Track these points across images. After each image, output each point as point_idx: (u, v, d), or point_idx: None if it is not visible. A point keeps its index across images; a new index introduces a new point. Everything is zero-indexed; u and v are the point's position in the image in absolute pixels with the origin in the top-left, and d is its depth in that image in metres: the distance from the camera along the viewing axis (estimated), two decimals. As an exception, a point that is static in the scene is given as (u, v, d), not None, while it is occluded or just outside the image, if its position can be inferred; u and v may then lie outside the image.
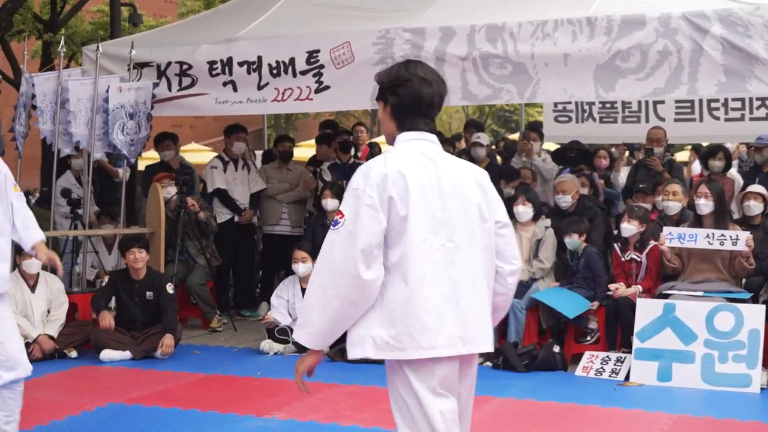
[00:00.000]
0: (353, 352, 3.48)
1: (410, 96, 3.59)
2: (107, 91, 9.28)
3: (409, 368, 3.43)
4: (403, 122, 3.63)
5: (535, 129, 12.21)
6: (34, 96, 9.34)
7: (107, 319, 8.23)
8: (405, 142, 3.61)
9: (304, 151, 13.68)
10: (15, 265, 8.40)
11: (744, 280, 7.62)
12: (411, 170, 3.48)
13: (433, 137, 3.65)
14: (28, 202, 6.19)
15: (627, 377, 7.38)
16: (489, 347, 3.60)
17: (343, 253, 3.40)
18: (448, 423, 3.45)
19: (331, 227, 3.48)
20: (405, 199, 3.42)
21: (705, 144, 12.13)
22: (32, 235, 5.53)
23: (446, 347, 3.43)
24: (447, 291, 3.47)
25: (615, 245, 8.22)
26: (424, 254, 3.45)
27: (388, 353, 3.43)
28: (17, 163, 10.06)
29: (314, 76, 9.07)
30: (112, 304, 8.56)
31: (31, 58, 15.13)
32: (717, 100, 12.21)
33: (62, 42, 11.21)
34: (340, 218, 3.45)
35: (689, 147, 16.55)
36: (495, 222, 3.65)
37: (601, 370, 7.56)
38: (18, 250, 8.41)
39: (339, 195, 9.19)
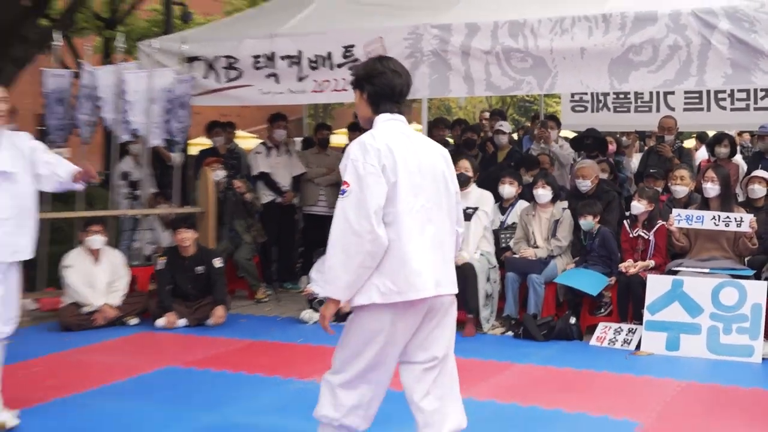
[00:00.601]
0: (360, 299, 3.77)
1: (384, 86, 3.95)
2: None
3: (396, 310, 3.78)
4: (378, 107, 3.97)
5: (553, 118, 12.19)
6: (95, 88, 9.41)
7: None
8: (384, 122, 3.95)
9: (340, 137, 13.66)
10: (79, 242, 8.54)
11: (747, 259, 7.58)
12: (396, 145, 3.82)
13: (403, 118, 4.01)
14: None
15: (638, 347, 7.37)
16: (455, 290, 4.05)
17: (357, 215, 3.68)
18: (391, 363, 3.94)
19: (340, 196, 3.78)
20: (394, 168, 3.75)
21: (711, 132, 12.04)
22: (67, 167, 5.67)
23: (430, 290, 3.81)
24: (427, 244, 3.83)
25: (624, 222, 8.19)
26: (409, 215, 3.78)
27: (390, 297, 3.74)
28: (81, 149, 10.17)
29: (350, 68, 9.07)
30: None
31: (92, 53, 15.23)
32: (723, 91, 12.10)
33: (121, 38, 11.29)
34: (347, 187, 3.75)
35: (695, 135, 16.44)
36: (455, 192, 4.06)
37: (614, 340, 7.55)
38: (85, 226, 8.53)
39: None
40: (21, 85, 12.17)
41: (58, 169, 5.60)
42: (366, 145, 3.78)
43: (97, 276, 8.47)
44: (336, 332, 3.91)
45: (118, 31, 17.44)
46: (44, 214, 9.09)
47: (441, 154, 4.05)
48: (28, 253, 5.50)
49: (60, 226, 10.09)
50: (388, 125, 3.93)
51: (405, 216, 3.77)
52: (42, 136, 9.35)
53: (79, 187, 5.91)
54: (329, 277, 3.84)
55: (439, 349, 3.99)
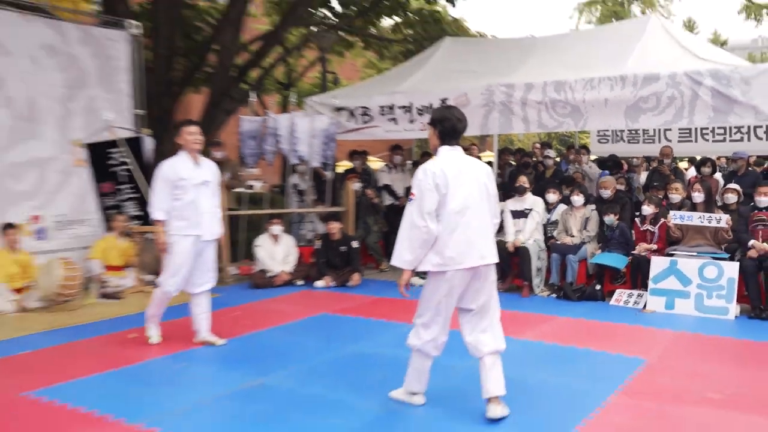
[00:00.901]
0: (423, 267, 3.99)
1: (450, 128, 4.06)
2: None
3: (448, 275, 3.95)
4: (443, 141, 4.08)
5: (584, 147, 11.93)
6: (276, 128, 9.60)
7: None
8: (445, 152, 4.05)
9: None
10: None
11: (724, 246, 7.25)
12: (449, 168, 3.95)
13: (459, 148, 4.08)
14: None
15: (644, 306, 7.14)
16: (495, 260, 4.07)
17: (419, 214, 3.90)
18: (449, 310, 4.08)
19: (409, 201, 3.99)
20: (445, 184, 3.90)
21: (698, 157, 11.69)
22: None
23: (469, 263, 3.94)
24: (473, 233, 3.95)
25: (636, 220, 7.95)
26: (455, 215, 3.91)
27: (439, 268, 3.94)
28: (267, 169, 10.39)
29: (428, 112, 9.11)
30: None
31: (275, 106, 15.57)
32: (707, 128, 11.76)
33: (293, 96, 11.49)
34: (413, 197, 3.94)
35: (687, 159, 15.89)
36: (494, 195, 4.14)
37: (627, 301, 7.32)
38: (269, 219, 8.72)
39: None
40: (229, 127, 12.52)
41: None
42: (426, 170, 3.94)
43: (277, 252, 8.63)
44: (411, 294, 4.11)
45: (291, 91, 17.82)
46: (243, 212, 9.37)
47: (484, 171, 4.12)
48: (218, 234, 5.73)
49: (252, 220, 10.35)
50: (448, 154, 4.04)
51: (452, 215, 3.90)
52: (241, 160, 9.62)
53: None
54: (396, 253, 4.01)
55: (481, 301, 4.07)
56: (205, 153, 9.37)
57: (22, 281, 7.26)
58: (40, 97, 8.15)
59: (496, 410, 3.98)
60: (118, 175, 8.75)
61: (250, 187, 10.29)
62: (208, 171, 5.70)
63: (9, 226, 7.30)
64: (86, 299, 7.50)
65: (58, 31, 8.38)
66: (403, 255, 3.97)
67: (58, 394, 4.48)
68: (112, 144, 8.68)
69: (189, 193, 5.50)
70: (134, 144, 8.82)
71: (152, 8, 12.21)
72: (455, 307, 4.08)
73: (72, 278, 6.99)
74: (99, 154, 8.65)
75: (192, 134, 5.56)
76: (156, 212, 5.50)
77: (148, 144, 8.98)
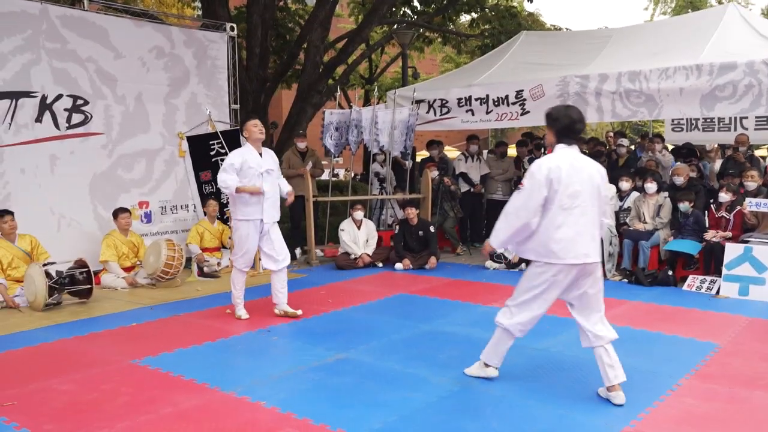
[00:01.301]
0: (527, 255, 3.98)
1: (567, 126, 3.92)
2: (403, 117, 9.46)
3: (551, 269, 3.87)
4: (560, 139, 3.94)
5: (658, 135, 11.40)
6: (360, 120, 9.63)
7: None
8: (560, 150, 3.92)
9: (512, 150, 13.31)
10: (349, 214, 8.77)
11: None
12: (564, 165, 3.81)
13: (576, 146, 3.94)
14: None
15: (717, 292, 6.78)
16: (598, 259, 3.92)
17: (523, 205, 3.83)
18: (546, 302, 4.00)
19: (517, 190, 3.92)
20: (559, 181, 3.77)
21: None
22: (285, 188, 6.03)
23: (573, 260, 3.82)
24: (580, 230, 3.81)
25: (711, 207, 7.55)
26: (562, 211, 3.79)
27: (541, 258, 3.88)
28: (351, 158, 10.43)
29: (520, 105, 8.89)
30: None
31: (358, 99, 15.65)
32: None
33: (375, 90, 11.50)
34: (522, 186, 3.87)
35: (765, 146, 14.98)
36: (605, 196, 4.01)
37: (700, 287, 6.97)
38: (352, 205, 8.78)
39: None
40: (316, 119, 12.68)
41: (283, 186, 6.02)
42: (542, 164, 3.83)
43: (359, 236, 8.66)
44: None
45: (374, 85, 17.86)
46: (326, 198, 9.46)
47: (597, 171, 3.94)
48: (279, 216, 5.93)
49: (336, 206, 10.46)
50: (563, 152, 3.89)
51: (560, 211, 3.78)
52: (326, 150, 9.70)
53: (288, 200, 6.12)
54: (494, 232, 3.97)
55: (589, 295, 3.96)
56: (290, 144, 9.47)
57: (131, 261, 7.59)
58: (148, 94, 8.47)
59: (619, 397, 3.86)
60: (218, 165, 9.01)
61: (336, 175, 10.39)
62: (271, 160, 5.88)
63: (122, 210, 7.64)
64: (187, 277, 7.77)
65: (166, 35, 8.67)
66: (498, 235, 3.95)
67: (162, 362, 4.66)
68: (213, 136, 8.94)
69: (254, 181, 5.68)
70: (231, 136, 9.05)
71: (248, 11, 12.47)
72: (558, 299, 3.97)
73: (174, 258, 7.24)
74: (200, 145, 8.93)
75: (256, 126, 5.76)
76: (232, 183, 5.61)
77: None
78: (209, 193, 8.90)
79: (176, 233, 8.64)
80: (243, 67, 12.22)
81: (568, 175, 3.78)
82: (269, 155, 5.91)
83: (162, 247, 7.21)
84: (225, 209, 8.91)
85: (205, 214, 8.55)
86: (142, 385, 4.22)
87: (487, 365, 4.24)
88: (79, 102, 7.83)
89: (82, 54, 7.81)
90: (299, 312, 5.90)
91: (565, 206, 3.78)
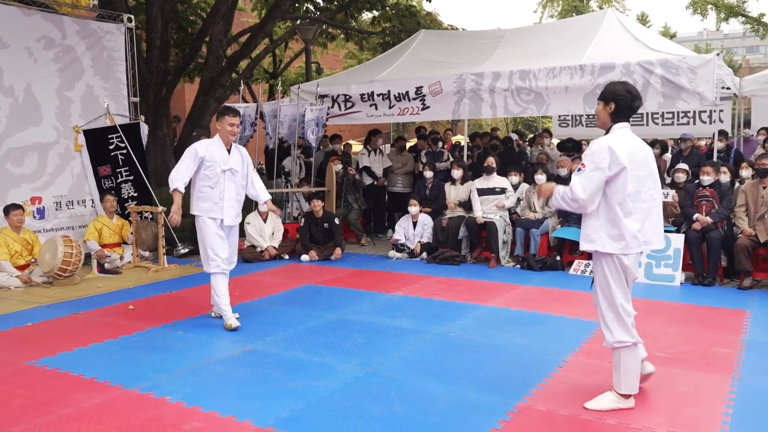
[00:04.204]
0: (588, 246, 3.57)
1: (626, 105, 3.54)
2: (304, 112, 9.38)
3: (615, 258, 3.51)
4: (615, 118, 3.56)
5: (547, 131, 11.94)
6: (263, 114, 9.49)
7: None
8: (619, 129, 3.55)
9: (410, 144, 13.53)
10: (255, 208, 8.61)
11: (671, 220, 7.31)
12: (625, 146, 3.46)
13: (629, 126, 3.58)
14: (260, 173, 6.33)
15: (600, 275, 7.19)
16: (656, 246, 3.63)
17: (582, 187, 3.45)
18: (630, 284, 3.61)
19: (576, 172, 3.52)
20: (619, 162, 3.40)
21: (650, 139, 11.78)
22: (263, 194, 5.58)
23: (637, 248, 3.49)
24: (642, 218, 3.49)
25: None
26: (632, 198, 3.45)
27: (610, 249, 3.48)
28: (255, 152, 10.24)
29: (420, 101, 9.01)
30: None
31: (262, 93, 15.39)
32: (657, 113, 11.83)
33: (279, 84, 11.34)
34: (582, 167, 3.48)
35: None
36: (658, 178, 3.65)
37: (585, 270, 7.36)
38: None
39: (432, 168, 9.12)
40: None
41: (261, 194, 5.55)
42: (602, 144, 3.47)
43: (265, 229, 8.53)
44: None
45: (278, 80, 17.62)
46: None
47: (651, 152, 3.65)
48: (239, 219, 5.48)
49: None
50: (623, 132, 3.54)
51: (629, 198, 3.45)
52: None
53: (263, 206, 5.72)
54: (553, 201, 3.65)
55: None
56: (192, 137, 9.20)
57: (25, 259, 7.13)
58: (39, 86, 7.96)
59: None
60: (117, 159, 8.61)
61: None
62: (238, 160, 5.39)
63: (14, 206, 7.14)
64: (87, 275, 7.39)
65: (56, 24, 8.16)
66: (557, 199, 3.59)
67: (61, 362, 4.42)
68: (111, 130, 8.53)
69: (215, 178, 5.24)
70: (131, 130, 8.67)
71: (147, 2, 11.96)
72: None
73: (72, 255, 6.86)
74: (98, 139, 8.49)
75: (233, 125, 5.25)
76: (176, 183, 5.17)
77: (144, 129, 8.85)
78: (109, 187, 8.49)
79: (73, 229, 8.17)
80: (143, 59, 11.72)
81: (631, 157, 3.46)
82: (239, 154, 5.40)
83: (58, 244, 6.82)
84: (126, 204, 8.54)
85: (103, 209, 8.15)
86: (39, 387, 3.99)
87: (627, 396, 3.62)
88: (-37, 93, 7.25)
89: (-36, 42, 7.23)
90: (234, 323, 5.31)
91: (631, 194, 3.47)
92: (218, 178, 5.25)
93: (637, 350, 3.59)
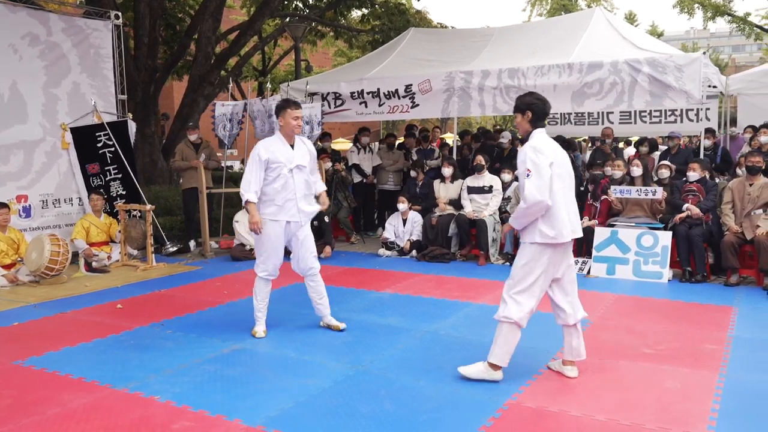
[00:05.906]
0: (529, 239, 3.89)
1: (540, 111, 3.93)
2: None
3: (550, 248, 3.86)
4: (535, 124, 3.93)
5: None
6: (253, 111, 9.43)
7: None
8: (540, 134, 3.91)
9: (400, 141, 13.54)
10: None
11: (659, 217, 7.35)
12: (551, 148, 3.85)
13: (545, 130, 3.96)
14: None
15: (588, 272, 7.22)
16: (580, 235, 4.00)
17: (537, 189, 3.73)
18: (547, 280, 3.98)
19: (526, 176, 3.79)
20: (556, 163, 3.81)
21: (636, 137, 11.87)
22: (319, 186, 5.14)
23: (568, 236, 3.86)
24: (567, 209, 3.87)
25: (588, 195, 8.02)
26: (560, 192, 3.81)
27: (548, 240, 3.83)
28: (245, 149, 10.19)
29: (410, 99, 9.01)
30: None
31: (251, 91, 15.32)
32: (645, 111, 11.87)
33: (269, 82, 11.29)
34: (529, 172, 3.77)
35: (633, 140, 16.13)
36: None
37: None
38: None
39: (421, 167, 9.13)
40: (208, 112, 12.32)
41: (317, 184, 5.12)
42: (536, 148, 3.80)
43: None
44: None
45: (267, 77, 17.54)
46: (220, 190, 9.21)
47: (567, 154, 4.04)
48: (315, 210, 5.08)
49: (231, 197, 10.20)
50: (543, 136, 3.91)
51: (558, 193, 3.81)
52: (220, 142, 9.44)
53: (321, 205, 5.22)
54: (515, 216, 3.93)
55: (570, 272, 4.07)
56: (182, 136, 9.15)
57: (11, 258, 7.06)
58: (24, 83, 7.87)
59: (574, 371, 4.08)
60: (105, 157, 8.54)
61: (230, 167, 10.14)
62: (304, 154, 4.97)
63: (0, 205, 7.07)
64: (74, 273, 7.33)
65: (42, 21, 8.08)
66: (517, 218, 3.90)
67: (48, 362, 4.37)
68: (99, 127, 8.45)
69: (282, 180, 4.84)
70: (119, 127, 8.60)
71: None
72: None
73: (59, 253, 6.80)
74: (86, 136, 8.42)
75: (297, 118, 4.87)
76: (248, 194, 4.79)
77: (132, 127, 8.78)
78: (97, 186, 8.43)
79: (59, 228, 8.11)
80: (131, 56, 11.63)
81: (555, 156, 3.84)
82: (303, 148, 4.97)
83: (45, 243, 6.75)
84: (114, 202, 8.47)
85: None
86: (26, 387, 3.94)
87: (496, 367, 3.96)
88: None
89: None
90: (342, 326, 5.13)
91: (559, 188, 3.83)
92: (286, 179, 4.85)
93: (519, 332, 3.96)
